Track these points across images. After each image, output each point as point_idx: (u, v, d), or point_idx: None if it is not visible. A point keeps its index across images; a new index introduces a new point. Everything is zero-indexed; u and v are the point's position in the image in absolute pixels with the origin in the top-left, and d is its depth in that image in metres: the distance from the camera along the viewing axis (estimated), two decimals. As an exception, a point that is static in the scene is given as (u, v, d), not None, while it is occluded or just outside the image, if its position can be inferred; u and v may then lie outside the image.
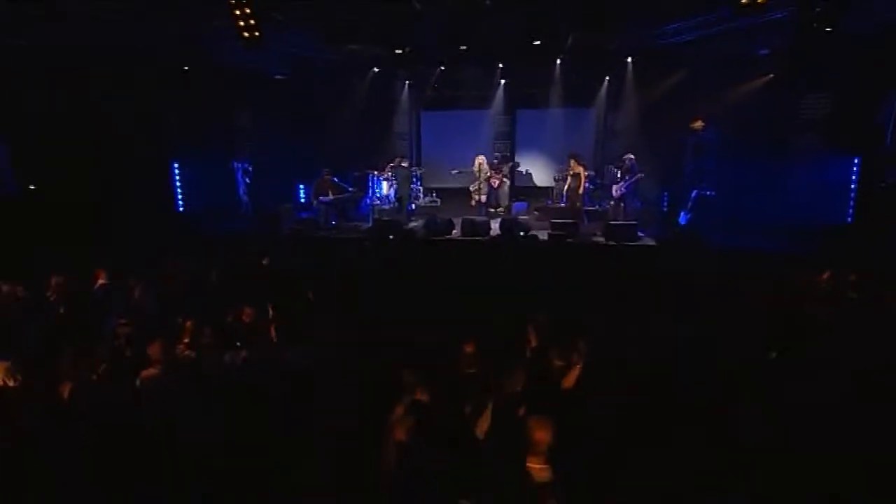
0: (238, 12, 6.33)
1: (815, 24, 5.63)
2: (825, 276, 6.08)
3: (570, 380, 3.59)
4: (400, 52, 6.46)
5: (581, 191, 11.07)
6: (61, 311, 5.33)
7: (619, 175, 10.85)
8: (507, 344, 4.21)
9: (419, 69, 12.07)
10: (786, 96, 10.18)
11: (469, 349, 3.99)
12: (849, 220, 9.02)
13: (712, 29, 9.59)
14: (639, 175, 10.50)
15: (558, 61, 11.20)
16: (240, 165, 11.34)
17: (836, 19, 5.55)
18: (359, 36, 6.39)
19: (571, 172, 11.10)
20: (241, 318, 5.07)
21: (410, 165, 12.55)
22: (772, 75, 10.39)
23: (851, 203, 8.97)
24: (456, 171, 12.23)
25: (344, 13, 6.27)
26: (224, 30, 9.07)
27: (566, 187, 11.28)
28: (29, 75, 8.67)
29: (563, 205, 11.44)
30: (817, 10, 5.60)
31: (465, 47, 6.40)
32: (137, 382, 3.89)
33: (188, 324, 4.64)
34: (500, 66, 11.57)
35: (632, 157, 10.66)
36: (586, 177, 11.11)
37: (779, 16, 8.89)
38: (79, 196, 9.05)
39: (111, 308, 5.21)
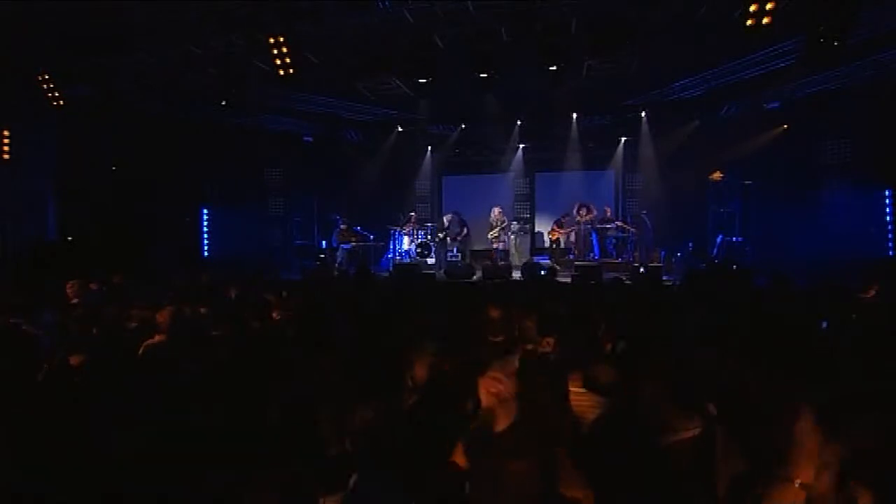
0: (275, 51, 6.92)
1: (821, 40, 5.84)
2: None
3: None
4: (423, 81, 6.86)
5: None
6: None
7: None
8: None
9: (440, 131, 12.73)
10: (805, 144, 10.30)
11: (494, 314, 3.72)
12: (890, 253, 8.59)
13: (719, 82, 10.14)
14: (616, 223, 11.24)
15: (574, 116, 11.69)
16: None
17: (843, 33, 5.75)
18: (383, 67, 6.92)
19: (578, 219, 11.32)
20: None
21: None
22: (786, 126, 10.62)
23: (890, 236, 8.61)
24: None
25: (370, 47, 6.84)
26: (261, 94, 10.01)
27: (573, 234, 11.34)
28: (80, 128, 9.48)
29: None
30: (821, 27, 5.83)
31: (485, 74, 6.78)
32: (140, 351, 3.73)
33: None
34: (518, 123, 12.09)
35: (644, 212, 10.88)
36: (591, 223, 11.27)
37: (782, 65, 9.39)
38: (113, 242, 9.42)
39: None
